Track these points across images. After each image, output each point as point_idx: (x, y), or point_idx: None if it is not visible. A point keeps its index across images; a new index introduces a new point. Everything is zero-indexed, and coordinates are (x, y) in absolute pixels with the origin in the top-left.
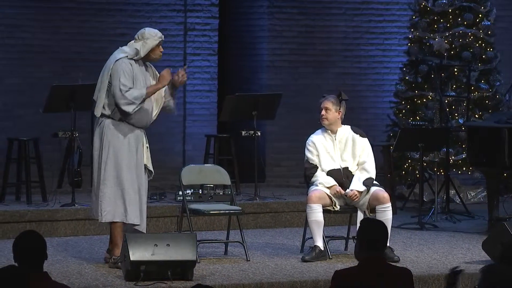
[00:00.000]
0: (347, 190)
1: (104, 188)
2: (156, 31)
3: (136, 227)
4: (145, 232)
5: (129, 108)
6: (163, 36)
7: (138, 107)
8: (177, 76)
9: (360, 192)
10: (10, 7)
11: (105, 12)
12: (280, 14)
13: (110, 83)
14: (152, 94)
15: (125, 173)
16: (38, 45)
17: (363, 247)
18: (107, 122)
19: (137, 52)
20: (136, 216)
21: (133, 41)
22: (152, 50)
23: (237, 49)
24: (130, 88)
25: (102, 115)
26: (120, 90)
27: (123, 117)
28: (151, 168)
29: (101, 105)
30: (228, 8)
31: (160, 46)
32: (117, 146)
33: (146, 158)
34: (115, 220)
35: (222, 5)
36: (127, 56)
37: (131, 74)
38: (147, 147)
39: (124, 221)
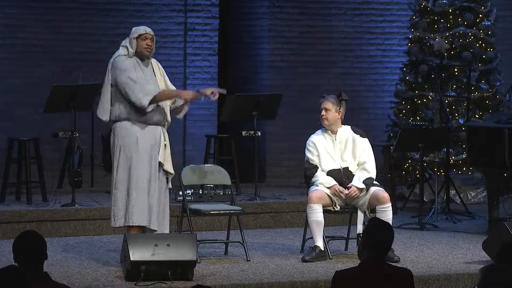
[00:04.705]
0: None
1: (116, 193)
2: (143, 26)
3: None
4: (167, 231)
5: (144, 100)
6: (148, 30)
7: (154, 104)
8: (210, 93)
9: (360, 189)
10: (10, 7)
11: (106, 12)
12: (280, 14)
13: (112, 84)
14: (166, 99)
15: (133, 174)
16: (38, 45)
17: (367, 246)
18: (116, 126)
19: (127, 50)
20: (142, 217)
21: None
22: (137, 45)
23: (237, 49)
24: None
25: (110, 120)
26: (131, 84)
27: (138, 113)
28: (166, 168)
29: (106, 108)
30: (228, 8)
31: (147, 40)
32: (126, 149)
33: (163, 157)
34: (127, 225)
35: (222, 5)
36: (120, 55)
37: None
38: (165, 145)
39: (130, 224)
